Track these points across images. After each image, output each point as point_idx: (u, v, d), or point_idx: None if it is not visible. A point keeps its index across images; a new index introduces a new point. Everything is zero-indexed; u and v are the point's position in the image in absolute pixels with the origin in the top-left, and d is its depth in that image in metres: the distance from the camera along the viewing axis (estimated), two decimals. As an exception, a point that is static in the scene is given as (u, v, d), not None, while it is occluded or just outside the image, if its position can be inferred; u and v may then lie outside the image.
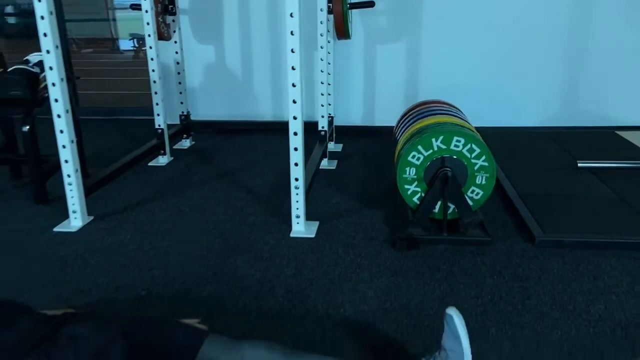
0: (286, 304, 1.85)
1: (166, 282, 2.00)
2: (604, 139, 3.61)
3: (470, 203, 2.28)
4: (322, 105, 3.32)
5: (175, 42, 3.62)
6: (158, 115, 3.38)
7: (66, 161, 2.39)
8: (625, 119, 3.86)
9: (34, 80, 2.62)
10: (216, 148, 3.77)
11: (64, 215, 2.55)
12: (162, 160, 3.44)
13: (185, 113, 3.78)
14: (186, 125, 3.79)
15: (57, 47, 2.24)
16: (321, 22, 3.14)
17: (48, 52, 2.23)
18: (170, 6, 3.53)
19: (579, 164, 3.04)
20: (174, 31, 3.61)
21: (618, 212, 2.49)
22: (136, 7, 3.47)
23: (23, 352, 1.27)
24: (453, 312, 1.32)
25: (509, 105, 3.89)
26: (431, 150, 2.22)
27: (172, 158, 3.51)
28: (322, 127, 3.36)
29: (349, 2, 3.36)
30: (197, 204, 2.75)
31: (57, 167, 2.70)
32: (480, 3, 3.70)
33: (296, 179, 2.33)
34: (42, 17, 2.18)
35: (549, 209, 2.50)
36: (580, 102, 3.89)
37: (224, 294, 1.91)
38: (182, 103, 3.76)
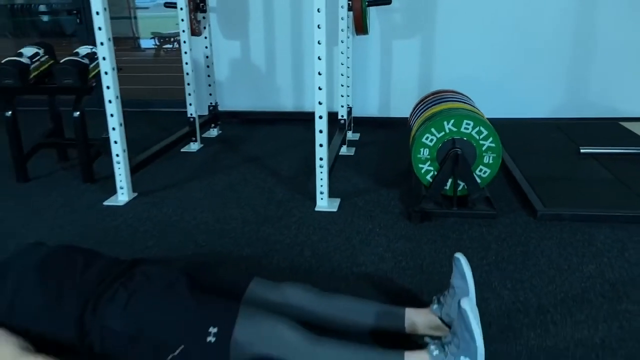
0: (314, 262, 2.11)
1: (208, 244, 2.27)
2: (607, 129, 3.82)
3: (478, 180, 2.52)
4: (342, 96, 3.57)
5: (205, 37, 3.90)
6: (190, 104, 3.67)
7: (115, 142, 2.68)
8: (629, 110, 4.07)
9: (85, 71, 2.91)
10: (242, 136, 4.04)
11: (110, 192, 2.84)
12: (194, 146, 3.73)
13: (213, 104, 4.07)
14: (214, 115, 4.07)
15: (109, 39, 2.52)
16: (342, 19, 3.40)
17: (102, 43, 2.51)
18: (201, 4, 3.80)
19: (581, 150, 3.26)
20: (204, 27, 3.89)
21: (615, 191, 2.72)
22: (170, 5, 3.76)
23: (104, 286, 1.55)
24: (460, 256, 1.57)
25: (517, 97, 4.11)
26: (443, 132, 2.47)
27: (202, 145, 3.79)
28: (342, 117, 3.61)
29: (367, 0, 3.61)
30: (229, 184, 3.02)
31: (101, 151, 3.02)
32: (490, 1, 3.93)
33: (320, 159, 2.59)
34: (97, 13, 2.46)
35: (550, 188, 2.74)
36: (586, 94, 4.10)
37: (260, 254, 2.18)
38: (210, 94, 4.05)
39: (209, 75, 4.00)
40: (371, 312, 1.62)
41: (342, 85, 3.56)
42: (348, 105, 3.71)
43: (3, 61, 2.94)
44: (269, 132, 4.14)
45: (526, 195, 2.67)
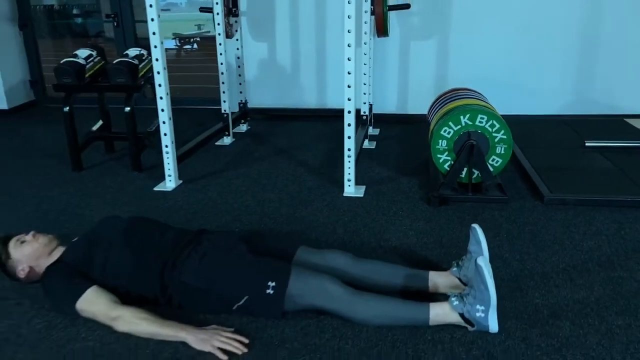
0: (346, 238, 2.41)
1: (252, 223, 2.59)
2: (612, 125, 4.07)
3: (491, 169, 2.80)
4: (364, 94, 3.87)
5: (237, 39, 4.22)
6: (224, 102, 3.99)
7: (165, 134, 3.00)
8: (633, 107, 4.32)
9: (135, 71, 3.23)
10: (269, 131, 4.35)
11: (156, 180, 3.17)
12: (227, 140, 4.04)
13: (243, 101, 4.38)
14: (244, 112, 4.39)
15: (161, 43, 2.84)
16: (365, 22, 3.69)
17: (155, 46, 2.83)
18: (233, 9, 4.12)
19: (586, 144, 3.53)
20: (236, 30, 4.20)
21: (615, 179, 2.99)
22: (206, 10, 4.09)
23: (179, 249, 1.86)
24: (476, 225, 1.86)
25: (527, 95, 4.38)
26: (460, 126, 2.76)
27: (234, 139, 4.11)
28: (364, 113, 3.91)
29: (388, 4, 3.90)
30: (263, 172, 3.33)
31: (147, 143, 3.35)
32: (502, 5, 4.20)
33: (349, 149, 2.89)
34: (152, 19, 2.78)
35: (557, 176, 3.02)
36: (592, 92, 4.35)
37: (298, 231, 2.48)
38: (241, 92, 4.36)
39: (239, 75, 4.31)
40: (399, 274, 1.92)
41: (365, 84, 3.85)
42: (369, 102, 4.00)
43: (62, 62, 3.27)
44: (294, 128, 4.44)
45: (534, 183, 2.95)
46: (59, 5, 7.08)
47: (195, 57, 10.62)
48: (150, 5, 2.76)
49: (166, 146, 3.03)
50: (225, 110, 4.01)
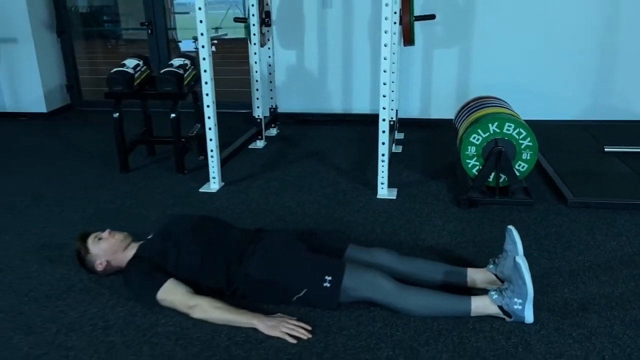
0: (384, 237, 2.62)
1: (295, 222, 2.80)
2: (629, 130, 4.24)
3: (517, 174, 2.99)
4: (392, 100, 4.06)
5: (269, 48, 4.43)
6: (258, 107, 4.20)
7: (210, 139, 3.22)
8: (650, 113, 4.49)
9: (181, 80, 3.45)
10: (298, 135, 4.56)
11: (199, 182, 3.39)
12: (259, 144, 4.26)
13: (274, 106, 4.59)
14: (275, 116, 4.60)
15: (209, 55, 3.05)
16: (394, 33, 3.88)
17: (204, 59, 3.05)
18: (266, 19, 4.33)
19: (605, 149, 3.71)
20: (268, 39, 4.41)
21: (634, 183, 3.17)
22: (240, 20, 4.30)
23: (243, 246, 2.07)
24: (512, 227, 2.06)
25: (547, 101, 4.55)
26: (488, 133, 2.95)
27: (266, 143, 4.32)
28: (391, 118, 4.10)
29: (414, 15, 4.09)
30: (298, 175, 3.53)
31: (188, 147, 3.57)
32: (521, 15, 4.38)
33: (382, 154, 3.09)
34: (202, 34, 2.99)
35: (578, 180, 3.20)
36: (610, 98, 4.52)
37: (340, 230, 2.68)
38: (272, 98, 4.57)
39: (270, 82, 4.52)
40: (440, 271, 2.12)
41: (393, 91, 4.04)
42: (395, 108, 4.19)
43: (112, 71, 3.50)
44: (321, 132, 4.64)
45: (557, 187, 3.14)
46: (88, 10, 7.33)
47: (216, 60, 10.87)
48: (201, 21, 2.98)
49: (211, 150, 3.24)
50: (258, 116, 4.22)
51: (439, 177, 3.45)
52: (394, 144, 4.12)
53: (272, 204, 3.07)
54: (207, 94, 3.12)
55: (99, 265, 2.16)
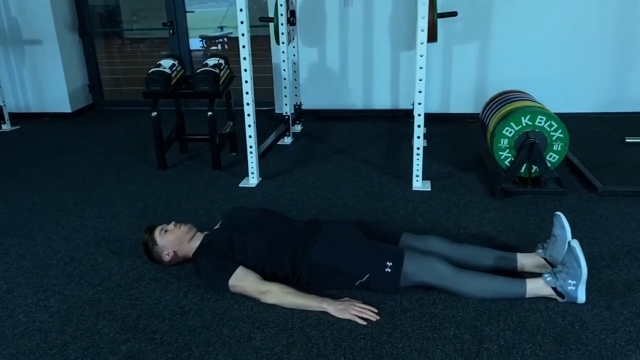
0: (428, 226, 2.73)
1: (339, 214, 2.91)
2: (646, 121, 4.38)
3: (549, 165, 3.11)
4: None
5: (294, 46, 4.54)
6: (286, 105, 4.31)
7: (250, 136, 3.33)
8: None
9: (217, 79, 3.56)
10: (322, 131, 4.67)
11: (237, 177, 3.50)
12: (287, 140, 4.37)
13: (298, 103, 4.70)
14: (300, 113, 4.71)
15: (250, 54, 3.16)
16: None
17: (245, 58, 3.15)
18: (292, 18, 4.43)
19: (626, 140, 3.83)
20: (293, 38, 4.52)
21: (659, 172, 3.30)
22: (266, 19, 4.41)
23: (305, 235, 2.19)
24: (560, 213, 2.18)
25: (566, 94, 4.66)
26: (520, 126, 3.07)
27: (293, 139, 4.43)
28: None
29: (437, 12, 4.20)
30: (331, 170, 3.65)
31: (224, 143, 3.67)
32: (539, 10, 4.50)
33: (417, 148, 3.21)
34: (243, 34, 3.10)
35: (605, 170, 3.32)
36: (627, 91, 4.65)
37: (383, 220, 2.80)
38: (296, 95, 4.68)
39: (295, 79, 4.62)
40: (490, 256, 2.24)
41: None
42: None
43: (150, 71, 3.60)
44: (344, 128, 4.76)
45: (586, 177, 3.26)
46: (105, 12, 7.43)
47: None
48: (242, 22, 3.08)
49: (250, 147, 3.36)
50: (286, 113, 4.33)
51: (469, 169, 3.57)
52: (419, 138, 4.23)
53: (312, 197, 3.18)
54: (247, 92, 3.23)
55: (166, 256, 2.27)
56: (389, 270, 2.06)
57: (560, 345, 1.78)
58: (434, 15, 4.09)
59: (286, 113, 4.34)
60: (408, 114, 4.78)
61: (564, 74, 4.64)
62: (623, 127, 4.16)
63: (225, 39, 11.74)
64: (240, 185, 3.40)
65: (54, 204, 3.19)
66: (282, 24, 4.12)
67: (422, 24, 2.97)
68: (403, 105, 4.97)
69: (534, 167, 3.13)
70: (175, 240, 2.27)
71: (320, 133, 4.62)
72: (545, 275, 2.03)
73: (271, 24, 4.40)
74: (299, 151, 4.13)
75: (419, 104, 3.14)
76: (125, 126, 5.00)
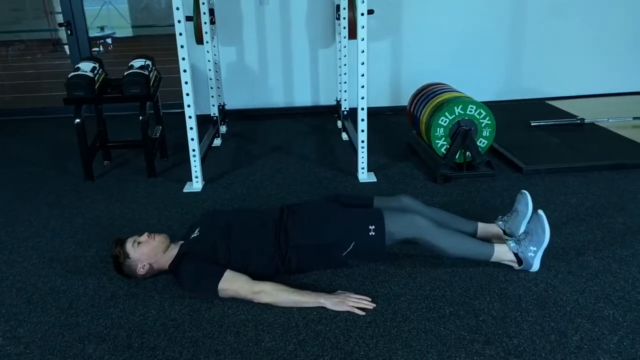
0: (387, 216, 2.84)
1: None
2: (538, 106, 4.88)
3: (479, 150, 3.38)
4: (346, 91, 4.29)
5: (214, 46, 4.43)
6: (213, 105, 4.21)
7: (192, 139, 3.22)
8: (551, 92, 5.18)
9: (148, 81, 3.38)
10: (248, 131, 4.62)
11: (176, 182, 3.38)
12: (217, 142, 4.26)
13: (222, 104, 4.61)
14: (224, 114, 4.61)
15: (188, 55, 3.05)
16: (344, 28, 4.11)
17: (183, 58, 3.04)
18: (211, 17, 4.32)
19: (532, 124, 4.26)
20: (213, 37, 4.41)
21: (565, 150, 3.71)
22: (187, 18, 4.25)
23: (282, 221, 2.20)
24: (525, 191, 2.40)
25: (467, 85, 5.03)
26: (454, 115, 3.30)
27: (222, 140, 4.34)
28: (345, 108, 4.34)
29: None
30: (274, 168, 3.63)
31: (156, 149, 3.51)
32: (446, 9, 4.84)
33: (362, 141, 3.32)
34: (180, 34, 2.99)
35: (522, 152, 3.66)
36: (519, 80, 5.16)
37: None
38: (219, 96, 4.58)
39: (217, 79, 4.52)
40: (455, 220, 2.41)
41: (345, 82, 4.27)
42: (346, 98, 4.43)
43: (70, 75, 3.33)
44: (270, 126, 4.75)
45: (508, 158, 3.58)
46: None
47: (120, 60, 10.34)
48: (179, 21, 2.97)
49: (193, 150, 3.24)
50: (214, 114, 4.23)
51: (403, 159, 3.75)
52: (345, 133, 4.35)
53: (264, 196, 3.16)
54: (187, 94, 3.11)
55: (141, 270, 2.14)
56: (373, 234, 2.13)
57: (543, 310, 1.97)
58: (355, 14, 4.22)
59: (214, 114, 4.24)
60: (330, 110, 4.93)
61: (466, 67, 4.99)
62: (524, 113, 4.60)
63: (109, 40, 11.11)
64: (184, 190, 3.27)
65: (-25, 227, 2.85)
66: (205, 23, 4.01)
67: (362, 20, 3.07)
68: (324, 101, 5.07)
69: (468, 153, 3.37)
70: (150, 252, 2.15)
71: (248, 133, 4.57)
72: (509, 241, 2.22)
73: (190, 23, 4.26)
74: (232, 152, 4.06)
75: (362, 98, 3.24)
76: (25, 137, 4.56)
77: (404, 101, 5.01)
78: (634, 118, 4.26)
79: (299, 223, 2.17)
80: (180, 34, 3.00)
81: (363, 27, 3.08)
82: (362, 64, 3.14)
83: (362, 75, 3.18)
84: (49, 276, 2.30)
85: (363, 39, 3.10)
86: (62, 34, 11.26)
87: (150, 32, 11.85)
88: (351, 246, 2.13)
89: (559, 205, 2.89)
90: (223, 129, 4.63)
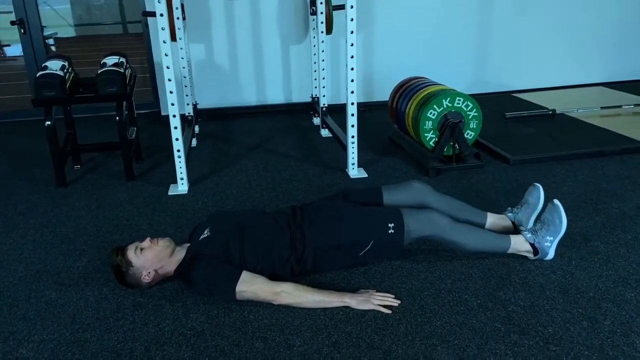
0: (387, 211, 2.79)
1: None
2: (505, 99, 4.97)
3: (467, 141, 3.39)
4: (324, 87, 4.21)
5: (186, 43, 4.25)
6: (188, 104, 4.04)
7: (177, 139, 3.06)
8: (517, 84, 5.31)
9: (124, 80, 3.18)
10: (223, 130, 4.47)
11: (158, 185, 3.22)
12: (193, 142, 4.09)
13: (195, 103, 4.43)
14: (197, 113, 4.44)
15: (171, 51, 2.89)
16: (321, 22, 4.04)
17: (166, 54, 2.88)
18: (182, 13, 4.15)
19: (506, 115, 4.33)
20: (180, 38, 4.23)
21: (545, 140, 3.79)
22: (149, 14, 4.06)
23: (297, 222, 2.10)
24: (538, 184, 2.39)
25: (438, 79, 5.09)
26: (442, 108, 3.29)
27: (197, 140, 4.17)
28: (324, 104, 4.26)
29: (332, 5, 4.28)
30: (258, 167, 3.51)
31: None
32: (416, 5, 4.86)
33: (352, 136, 3.26)
34: (162, 28, 2.83)
35: (505, 143, 3.71)
36: (485, 74, 5.25)
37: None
38: (192, 95, 4.40)
39: (189, 78, 4.34)
40: (464, 209, 2.37)
41: (323, 78, 4.19)
42: (324, 94, 4.35)
43: (38, 75, 3.10)
44: (244, 125, 4.61)
45: (493, 150, 3.62)
46: None
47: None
48: (162, 15, 2.81)
49: (178, 150, 3.09)
50: (189, 113, 4.06)
51: (389, 153, 3.72)
52: (325, 129, 4.28)
53: (257, 196, 3.04)
54: (170, 92, 2.95)
55: (146, 277, 1.99)
56: (392, 232, 2.07)
57: (568, 297, 1.97)
58: (330, 9, 4.16)
59: (189, 114, 4.07)
60: (303, 107, 4.84)
61: (436, 61, 5.03)
62: (495, 105, 4.66)
63: (52, 40, 10.55)
64: (170, 193, 3.11)
65: (-59, 242, 2.59)
66: (177, 18, 3.84)
67: (351, 13, 3.01)
68: (296, 99, 4.98)
69: (457, 145, 3.37)
70: (155, 257, 2.00)
71: (222, 132, 4.42)
72: (524, 232, 2.22)
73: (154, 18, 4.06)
74: (211, 152, 3.90)
75: (352, 92, 3.18)
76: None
77: (378, 97, 5.02)
78: (602, 108, 4.41)
79: (315, 223, 2.08)
80: (163, 29, 2.84)
81: (352, 19, 3.02)
82: (352, 57, 3.08)
83: (352, 69, 3.11)
84: (41, 290, 2.11)
85: (352, 32, 3.04)
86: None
87: (93, 31, 11.40)
88: (370, 245, 2.06)
89: (552, 194, 2.90)
90: (196, 129, 4.46)
